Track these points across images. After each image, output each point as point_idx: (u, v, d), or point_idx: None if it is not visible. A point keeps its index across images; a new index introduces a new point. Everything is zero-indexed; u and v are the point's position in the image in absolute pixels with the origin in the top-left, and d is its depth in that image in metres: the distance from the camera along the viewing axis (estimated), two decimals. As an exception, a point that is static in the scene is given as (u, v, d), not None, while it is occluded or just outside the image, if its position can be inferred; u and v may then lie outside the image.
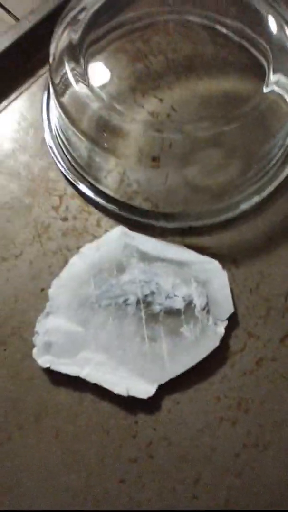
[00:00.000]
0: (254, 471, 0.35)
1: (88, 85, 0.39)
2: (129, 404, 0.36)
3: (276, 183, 0.43)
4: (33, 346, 0.38)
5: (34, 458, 0.36)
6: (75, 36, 0.40)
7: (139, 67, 0.47)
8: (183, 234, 0.42)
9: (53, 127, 0.45)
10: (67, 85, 0.40)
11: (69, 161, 0.44)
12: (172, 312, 0.37)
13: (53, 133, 0.45)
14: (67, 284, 0.39)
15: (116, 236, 0.40)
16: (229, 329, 0.38)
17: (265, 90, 0.40)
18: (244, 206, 0.42)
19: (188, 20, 0.48)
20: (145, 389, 0.36)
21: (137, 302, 0.38)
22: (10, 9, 0.52)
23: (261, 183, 0.43)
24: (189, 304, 0.37)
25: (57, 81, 0.40)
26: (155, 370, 0.36)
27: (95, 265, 0.39)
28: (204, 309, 0.37)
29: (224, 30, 0.47)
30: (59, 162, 0.44)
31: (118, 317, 0.37)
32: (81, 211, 0.43)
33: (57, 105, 0.41)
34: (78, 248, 0.41)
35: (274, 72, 0.40)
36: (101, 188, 0.43)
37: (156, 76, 0.47)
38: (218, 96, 0.46)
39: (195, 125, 0.42)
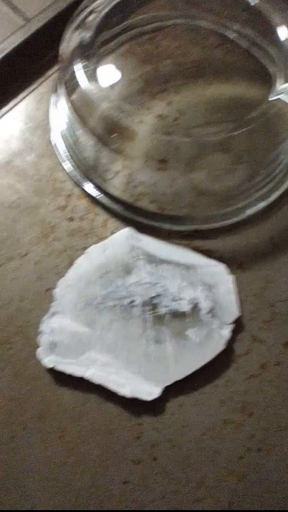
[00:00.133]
0: (257, 475, 0.35)
1: (98, 84, 0.40)
2: (134, 405, 0.36)
3: (282, 189, 0.43)
4: (37, 345, 0.38)
5: (37, 458, 0.36)
6: (87, 36, 0.40)
7: (148, 70, 0.47)
8: (188, 237, 0.42)
9: (61, 128, 0.45)
10: (76, 83, 0.40)
11: (77, 162, 0.44)
12: (177, 315, 0.37)
13: (61, 133, 0.45)
14: (73, 284, 0.39)
15: (123, 237, 0.40)
16: (234, 333, 0.38)
17: (272, 97, 0.40)
18: (250, 211, 0.42)
19: (196, 24, 0.49)
20: (149, 391, 0.36)
21: (143, 304, 0.38)
22: (19, 9, 0.52)
23: (267, 189, 0.43)
24: (195, 307, 0.38)
25: (67, 79, 0.40)
26: (159, 372, 0.36)
27: (101, 266, 0.39)
28: (209, 312, 0.37)
29: (232, 36, 0.48)
30: (66, 162, 0.44)
31: (124, 318, 0.38)
32: (88, 212, 0.43)
33: (66, 103, 0.41)
34: (84, 248, 0.41)
35: (282, 80, 0.40)
36: (108, 189, 0.43)
37: (164, 80, 0.47)
38: (225, 101, 0.46)
39: (202, 129, 0.43)
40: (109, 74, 0.44)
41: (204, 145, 0.39)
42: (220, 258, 0.41)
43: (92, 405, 0.37)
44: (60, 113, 0.46)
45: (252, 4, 0.44)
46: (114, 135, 0.40)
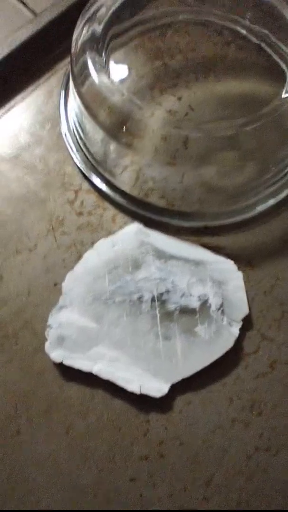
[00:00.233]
0: (266, 475, 0.35)
1: (109, 77, 0.39)
2: (141, 402, 0.36)
3: (292, 186, 0.43)
4: (45, 340, 0.37)
5: (43, 453, 0.35)
6: (98, 29, 0.40)
7: (158, 65, 0.47)
8: (198, 234, 0.41)
9: (70, 122, 0.45)
10: (87, 75, 0.39)
11: (86, 156, 0.44)
12: (186, 311, 0.37)
13: (70, 127, 0.45)
14: (82, 278, 0.39)
15: (132, 232, 0.40)
16: (242, 331, 0.38)
17: (285, 95, 0.40)
18: (260, 208, 0.42)
19: (207, 20, 0.48)
20: (157, 388, 0.36)
21: (152, 299, 0.37)
22: (28, 3, 0.52)
23: (277, 186, 0.43)
24: (204, 304, 0.37)
25: (77, 70, 0.40)
26: (168, 369, 0.36)
27: (110, 260, 0.39)
28: (219, 309, 0.37)
29: (244, 32, 0.47)
30: (75, 156, 0.44)
31: (132, 314, 0.37)
32: (97, 206, 0.43)
33: (76, 95, 0.41)
34: (92, 243, 0.41)
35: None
36: (117, 184, 0.43)
37: (174, 75, 0.46)
38: (236, 97, 0.45)
39: (213, 125, 0.42)
40: (119, 68, 0.44)
41: (214, 140, 0.39)
42: (229, 255, 0.40)
43: (99, 401, 0.37)
44: (69, 107, 0.45)
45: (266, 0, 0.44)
46: (124, 129, 0.40)
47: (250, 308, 0.38)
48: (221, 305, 0.37)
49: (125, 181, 0.43)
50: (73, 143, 0.45)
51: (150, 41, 0.47)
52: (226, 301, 0.38)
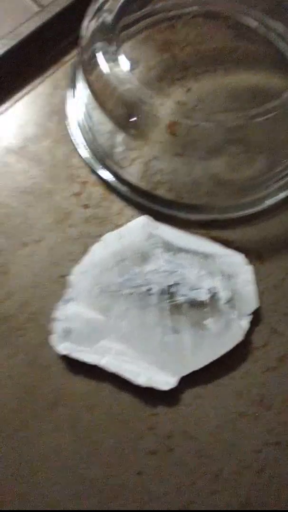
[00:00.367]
0: (275, 469, 0.34)
1: (117, 67, 0.39)
2: (149, 395, 0.36)
3: (302, 180, 0.42)
4: (51, 332, 0.37)
5: (49, 447, 0.35)
6: (108, 18, 0.40)
7: (167, 57, 0.46)
8: (206, 227, 0.41)
9: (78, 114, 0.45)
10: (96, 64, 0.39)
11: (93, 148, 0.43)
12: (195, 304, 0.37)
13: (77, 119, 0.45)
14: (89, 271, 0.38)
15: (140, 225, 0.40)
16: (252, 325, 0.37)
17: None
18: (270, 202, 0.42)
19: (217, 12, 0.48)
20: (165, 381, 0.35)
21: (161, 292, 0.37)
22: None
23: (287, 180, 0.42)
24: (213, 297, 0.37)
25: (86, 59, 0.40)
26: (176, 362, 0.36)
27: (118, 253, 0.38)
28: (228, 302, 0.37)
29: (254, 25, 0.47)
30: (82, 148, 0.44)
31: (140, 306, 0.37)
32: (104, 199, 0.42)
33: (85, 84, 0.40)
34: (99, 236, 0.41)
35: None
36: (124, 176, 0.42)
37: (183, 67, 0.46)
38: (245, 90, 0.45)
39: (223, 115, 0.42)
40: (128, 59, 0.43)
41: (224, 132, 0.39)
42: (238, 249, 0.40)
43: (106, 394, 0.36)
44: (77, 99, 0.45)
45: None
46: (133, 119, 0.39)
47: (259, 302, 0.38)
48: (231, 299, 0.37)
49: (133, 173, 0.42)
50: (81, 135, 0.44)
51: (159, 32, 0.47)
52: (236, 294, 0.37)
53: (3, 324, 0.38)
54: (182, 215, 0.41)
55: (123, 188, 0.42)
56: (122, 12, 0.42)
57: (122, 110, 0.40)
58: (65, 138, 0.45)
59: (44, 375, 0.37)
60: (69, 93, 0.46)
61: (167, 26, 0.47)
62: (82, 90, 0.44)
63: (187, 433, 0.35)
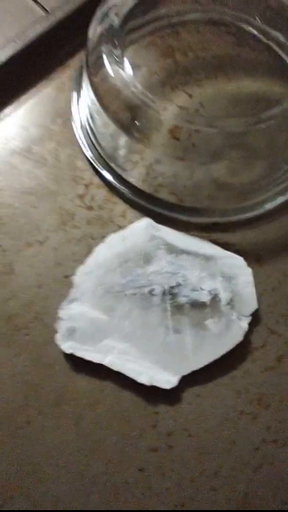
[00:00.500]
0: (273, 466, 0.35)
1: (122, 71, 0.40)
2: (150, 394, 0.37)
3: (301, 184, 0.43)
4: (55, 332, 0.38)
5: (53, 443, 0.36)
6: (117, 21, 0.41)
7: (170, 62, 0.47)
8: (207, 230, 0.42)
9: (82, 116, 0.45)
10: (101, 66, 0.40)
11: (96, 151, 0.44)
12: (197, 305, 0.38)
13: (82, 122, 0.46)
14: (92, 272, 0.39)
15: (143, 227, 0.41)
16: (251, 325, 0.38)
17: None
18: (269, 206, 0.43)
19: (219, 20, 0.49)
20: (167, 380, 0.36)
21: (163, 293, 0.38)
22: (40, 1, 0.52)
23: (286, 184, 0.43)
24: (214, 298, 0.38)
25: (92, 60, 0.40)
26: (178, 361, 0.37)
27: (121, 254, 0.39)
28: (228, 303, 0.38)
29: (255, 32, 0.48)
30: (86, 151, 0.44)
31: (143, 307, 0.38)
32: (107, 201, 0.43)
33: (89, 86, 0.41)
34: (103, 237, 0.41)
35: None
36: (127, 179, 0.43)
37: (185, 73, 0.47)
38: (246, 96, 0.46)
39: (224, 121, 0.43)
40: (132, 63, 0.44)
41: (225, 137, 0.40)
42: (238, 251, 0.41)
43: (108, 392, 0.37)
44: (81, 102, 0.46)
45: (276, 0, 0.44)
46: (136, 122, 0.40)
47: (258, 304, 0.39)
48: (231, 300, 0.38)
49: (135, 176, 0.43)
50: (84, 137, 0.45)
51: (162, 38, 0.48)
52: (236, 296, 0.38)
53: (8, 323, 0.39)
54: (184, 217, 0.42)
55: (126, 191, 0.43)
56: (128, 16, 0.42)
57: (125, 113, 0.41)
58: (70, 140, 0.45)
59: (48, 373, 0.38)
60: (73, 96, 0.47)
61: (170, 32, 0.48)
62: (86, 93, 0.45)
63: (187, 431, 0.36)
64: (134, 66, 0.44)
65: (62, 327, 0.38)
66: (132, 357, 0.37)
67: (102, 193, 0.43)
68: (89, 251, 0.41)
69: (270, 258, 0.41)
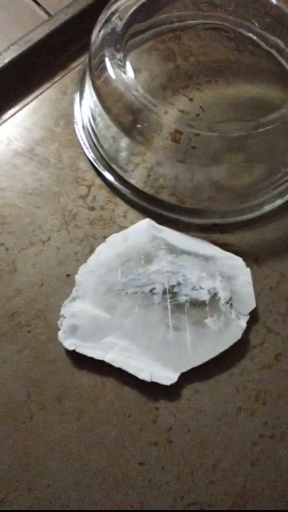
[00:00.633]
0: (270, 461, 0.36)
1: (125, 73, 0.40)
2: (150, 390, 0.37)
3: (299, 187, 0.44)
4: (57, 329, 0.39)
5: (55, 438, 0.36)
6: (120, 24, 0.41)
7: (171, 67, 0.48)
8: (207, 231, 0.43)
9: (84, 118, 0.46)
10: (104, 69, 0.41)
11: (99, 152, 0.45)
12: (197, 304, 0.38)
13: (84, 124, 0.46)
14: (95, 270, 0.40)
15: (144, 227, 0.41)
16: (249, 324, 0.39)
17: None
18: (268, 208, 0.44)
19: (220, 26, 0.50)
20: (167, 376, 0.37)
21: (164, 292, 0.39)
22: (42, 4, 0.53)
23: (285, 187, 0.44)
24: (214, 297, 0.39)
25: (95, 63, 0.41)
26: (178, 358, 0.37)
27: (123, 254, 0.40)
28: (227, 302, 0.39)
29: (255, 38, 0.49)
30: (88, 152, 0.45)
31: (144, 305, 0.39)
32: (109, 202, 0.44)
33: (92, 88, 0.42)
34: (104, 237, 0.42)
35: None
36: (129, 180, 0.44)
37: (186, 77, 0.48)
38: (246, 101, 0.47)
39: (224, 125, 0.44)
40: (133, 67, 0.45)
41: (225, 141, 0.40)
42: (237, 252, 0.42)
43: (110, 388, 0.38)
44: (83, 104, 0.47)
45: (275, 7, 0.45)
46: (138, 125, 0.41)
47: (256, 303, 0.40)
48: (230, 299, 0.39)
49: (137, 178, 0.44)
50: (87, 139, 0.46)
51: (164, 43, 0.49)
52: (235, 295, 0.39)
53: (12, 320, 0.40)
54: (184, 219, 0.43)
55: (127, 192, 0.44)
56: (131, 21, 0.43)
57: (127, 116, 0.42)
58: (72, 142, 0.46)
59: (51, 370, 0.38)
60: (76, 99, 0.48)
61: (172, 37, 0.49)
62: (89, 96, 0.46)
63: (186, 426, 0.37)
64: (136, 70, 0.45)
65: (64, 324, 0.38)
66: (134, 354, 0.38)
67: (104, 194, 0.44)
68: (91, 250, 0.42)
69: (269, 259, 0.42)
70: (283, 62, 0.47)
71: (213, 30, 0.50)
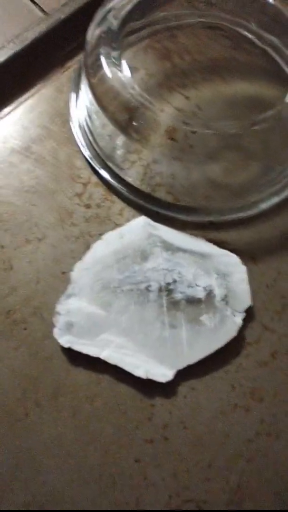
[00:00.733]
0: (266, 458, 0.36)
1: (120, 73, 0.41)
2: (146, 387, 0.37)
3: (295, 185, 0.44)
4: (53, 326, 0.39)
5: (50, 435, 0.36)
6: (114, 24, 0.42)
7: (167, 65, 0.48)
8: (203, 229, 0.43)
9: (80, 117, 0.46)
10: (100, 67, 0.41)
11: (95, 150, 0.45)
12: (192, 301, 0.38)
13: (80, 122, 0.46)
14: (90, 267, 0.40)
15: (140, 225, 0.41)
16: (245, 322, 0.39)
17: (288, 99, 0.41)
18: (264, 206, 0.44)
19: (216, 24, 0.50)
20: (163, 373, 0.37)
21: (160, 289, 0.39)
22: (39, 3, 0.53)
23: (281, 185, 0.44)
24: (209, 294, 0.39)
25: (90, 62, 0.41)
26: (173, 355, 0.37)
27: (119, 251, 0.40)
28: (223, 300, 0.39)
29: (251, 37, 0.49)
30: (84, 150, 0.45)
31: (140, 302, 0.38)
32: (105, 199, 0.44)
33: (87, 86, 0.42)
34: (100, 234, 0.42)
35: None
36: (125, 178, 0.44)
37: (182, 75, 0.48)
38: (242, 99, 0.47)
39: (221, 123, 0.44)
40: (130, 65, 0.45)
41: (221, 138, 0.41)
42: (233, 250, 0.42)
43: (105, 385, 0.38)
44: (79, 102, 0.47)
45: (272, 6, 0.46)
46: (134, 123, 0.41)
47: (252, 300, 0.40)
48: (226, 296, 0.39)
49: (133, 175, 0.44)
50: (83, 137, 0.46)
51: (160, 42, 0.49)
52: (230, 292, 0.39)
53: (7, 318, 0.40)
54: (180, 216, 0.43)
55: (123, 189, 0.44)
56: (126, 19, 0.43)
57: (123, 114, 0.42)
58: (68, 140, 0.46)
59: (46, 367, 0.38)
60: (72, 97, 0.48)
61: (168, 35, 0.49)
62: (85, 94, 0.46)
63: (182, 423, 0.37)
64: (132, 68, 0.45)
65: (60, 321, 0.38)
66: (129, 351, 0.37)
67: (100, 191, 0.44)
68: (87, 248, 0.42)
69: (265, 256, 0.42)
70: (279, 60, 0.48)
71: (209, 28, 0.50)
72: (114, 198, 0.44)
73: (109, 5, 0.43)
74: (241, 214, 0.43)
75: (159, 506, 0.35)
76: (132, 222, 0.42)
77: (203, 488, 0.35)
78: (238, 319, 0.38)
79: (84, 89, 0.45)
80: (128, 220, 0.43)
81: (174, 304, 0.38)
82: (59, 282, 0.41)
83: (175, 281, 0.39)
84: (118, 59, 0.41)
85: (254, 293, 0.40)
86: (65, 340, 0.38)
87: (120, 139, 0.44)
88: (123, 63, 0.42)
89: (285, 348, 0.39)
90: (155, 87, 0.47)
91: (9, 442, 0.36)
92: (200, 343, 0.38)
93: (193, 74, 0.48)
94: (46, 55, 0.49)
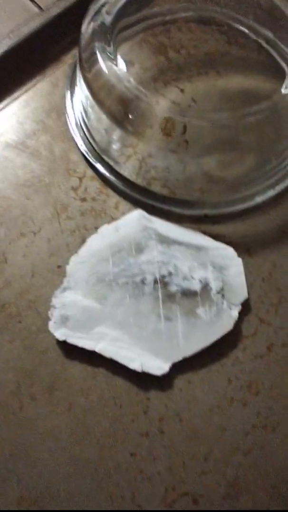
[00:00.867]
0: (262, 451, 0.36)
1: (116, 66, 0.40)
2: (142, 380, 0.37)
3: (290, 178, 0.44)
4: (48, 320, 0.38)
5: (45, 429, 0.36)
6: (108, 19, 0.41)
7: (162, 59, 0.48)
8: (198, 222, 0.43)
9: (76, 111, 0.46)
10: (95, 62, 0.41)
11: (90, 144, 0.45)
12: (188, 293, 0.38)
13: (76, 117, 0.46)
14: (86, 261, 0.40)
15: (135, 218, 0.41)
16: (241, 315, 0.39)
17: (284, 91, 0.41)
18: (259, 199, 0.44)
19: (210, 18, 0.50)
20: (158, 366, 0.37)
21: (155, 281, 0.38)
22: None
23: (276, 178, 0.44)
24: (205, 287, 0.38)
25: (85, 57, 0.41)
26: (169, 348, 0.37)
27: (114, 244, 0.40)
28: (219, 292, 0.38)
29: (246, 31, 0.49)
30: (80, 144, 0.45)
31: (135, 295, 0.38)
32: (100, 193, 0.44)
33: (83, 81, 0.42)
34: (96, 228, 0.42)
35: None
36: (120, 172, 0.44)
37: (177, 69, 0.48)
38: (237, 92, 0.47)
39: (215, 115, 0.44)
40: (124, 60, 0.45)
41: (216, 130, 0.40)
42: (229, 243, 0.42)
43: (101, 379, 0.37)
44: (75, 97, 0.47)
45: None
46: (130, 116, 0.41)
47: (248, 293, 0.40)
48: (221, 289, 0.39)
49: (128, 169, 0.44)
50: (78, 131, 0.46)
51: (155, 36, 0.49)
52: (226, 285, 0.39)
53: (2, 311, 0.39)
54: (176, 210, 0.43)
55: (119, 183, 0.44)
56: (120, 14, 0.43)
57: (119, 108, 0.42)
58: (64, 134, 0.46)
59: (41, 360, 0.38)
60: (67, 91, 0.47)
61: (162, 30, 0.49)
62: (80, 89, 0.45)
63: (178, 416, 0.37)
64: (127, 63, 0.45)
65: (55, 315, 0.38)
66: (125, 344, 0.37)
67: (95, 185, 0.44)
68: (82, 241, 0.42)
69: (260, 249, 0.42)
70: (273, 53, 0.48)
71: (203, 23, 0.50)
72: (110, 191, 0.44)
73: (102, 0, 0.43)
74: (237, 207, 0.43)
75: (155, 500, 0.34)
76: (128, 216, 0.42)
77: (199, 482, 0.35)
78: (234, 312, 0.38)
79: (80, 83, 0.45)
80: (124, 213, 0.43)
81: (169, 297, 0.38)
82: (55, 275, 0.41)
83: (170, 274, 0.39)
84: (114, 53, 0.41)
85: (250, 286, 0.40)
86: (60, 334, 0.38)
87: (116, 133, 0.44)
88: (119, 57, 0.42)
89: (281, 341, 0.39)
90: (150, 81, 0.47)
91: (4, 435, 0.36)
92: (195, 336, 0.37)
93: (188, 68, 0.48)
94: (41, 50, 0.49)
